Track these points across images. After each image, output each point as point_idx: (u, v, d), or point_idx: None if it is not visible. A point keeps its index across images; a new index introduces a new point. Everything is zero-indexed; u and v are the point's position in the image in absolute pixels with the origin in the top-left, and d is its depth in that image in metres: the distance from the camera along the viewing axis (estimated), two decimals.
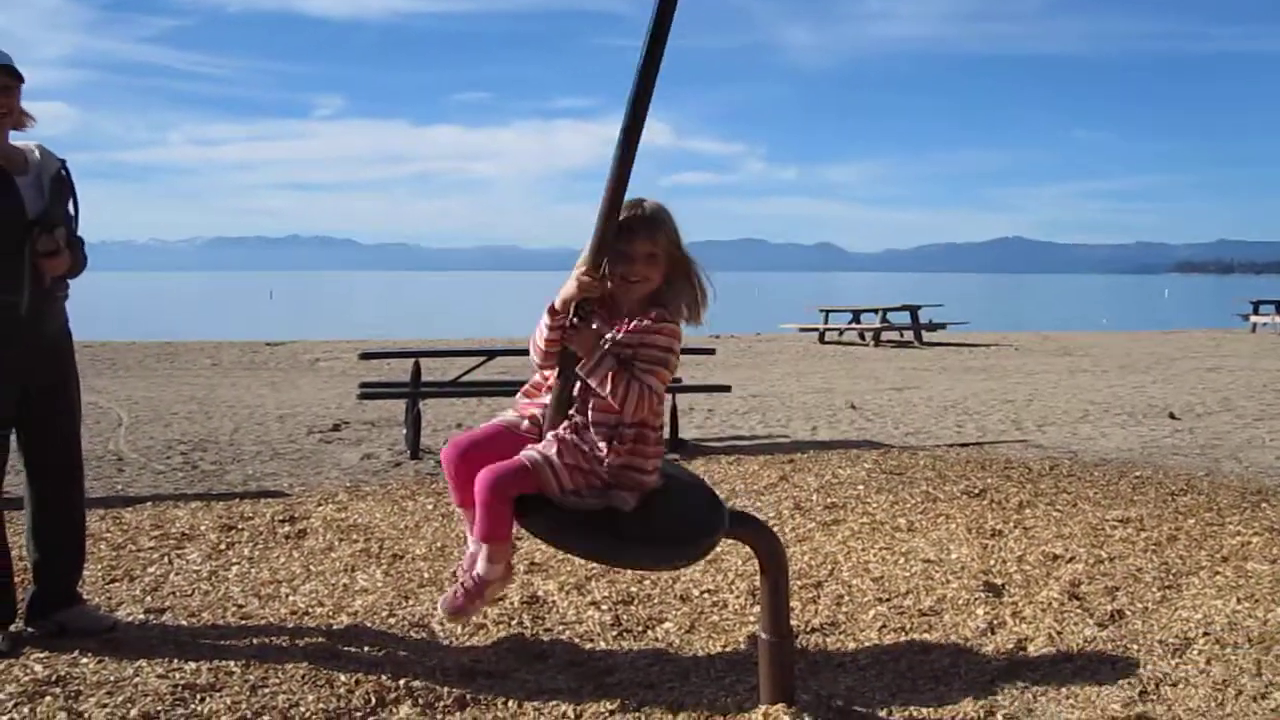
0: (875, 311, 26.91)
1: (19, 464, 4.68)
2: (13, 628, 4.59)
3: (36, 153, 4.65)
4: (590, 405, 3.70)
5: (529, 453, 3.67)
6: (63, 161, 4.70)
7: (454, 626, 4.88)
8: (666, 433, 10.21)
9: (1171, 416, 12.36)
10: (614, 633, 4.87)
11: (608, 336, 3.66)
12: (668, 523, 3.76)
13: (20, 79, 4.49)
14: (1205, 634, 4.69)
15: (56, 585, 4.74)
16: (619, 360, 3.62)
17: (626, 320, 3.68)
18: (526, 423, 3.88)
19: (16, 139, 4.60)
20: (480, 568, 3.89)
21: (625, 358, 3.63)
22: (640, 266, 3.67)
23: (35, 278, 4.45)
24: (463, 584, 3.95)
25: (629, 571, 5.75)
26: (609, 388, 3.59)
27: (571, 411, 3.73)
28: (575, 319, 3.63)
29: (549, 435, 3.72)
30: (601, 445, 3.67)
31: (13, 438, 4.62)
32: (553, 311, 3.65)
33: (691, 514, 3.84)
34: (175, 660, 4.31)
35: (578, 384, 3.71)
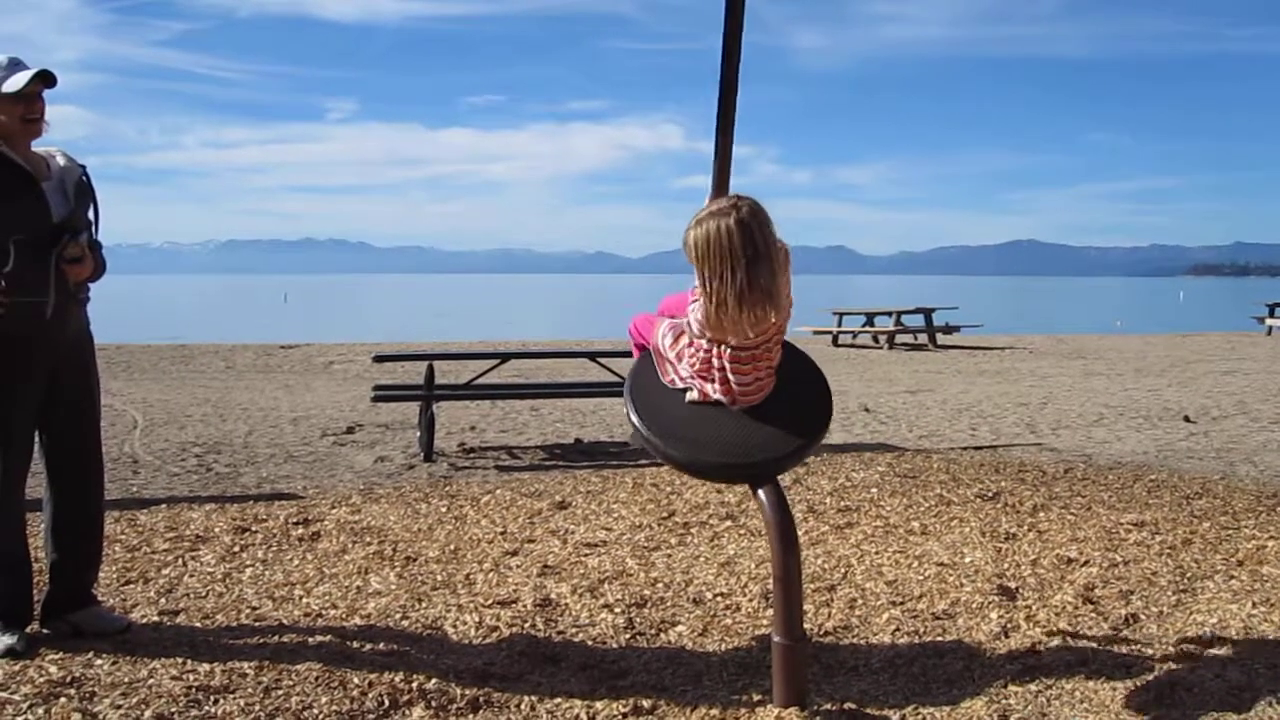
0: (889, 314, 26.85)
1: (38, 465, 4.70)
2: (28, 629, 4.61)
3: (59, 158, 4.69)
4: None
5: (662, 321, 4.47)
6: (84, 167, 4.75)
7: (467, 629, 4.88)
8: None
9: (1186, 420, 12.32)
10: (627, 635, 4.87)
11: None
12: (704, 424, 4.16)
13: (53, 83, 4.53)
14: (1220, 638, 4.67)
15: (72, 586, 4.76)
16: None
17: None
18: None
19: (36, 145, 4.64)
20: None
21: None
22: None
23: (60, 282, 4.49)
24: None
25: (642, 574, 5.76)
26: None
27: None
28: None
29: (678, 320, 4.41)
30: (680, 345, 4.34)
31: (35, 438, 4.66)
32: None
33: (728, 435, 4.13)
34: (189, 662, 4.32)
35: None
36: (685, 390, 4.23)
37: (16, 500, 4.55)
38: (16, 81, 4.42)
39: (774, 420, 4.12)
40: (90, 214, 4.73)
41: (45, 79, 4.49)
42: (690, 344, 4.19)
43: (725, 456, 4.04)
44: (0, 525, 4.50)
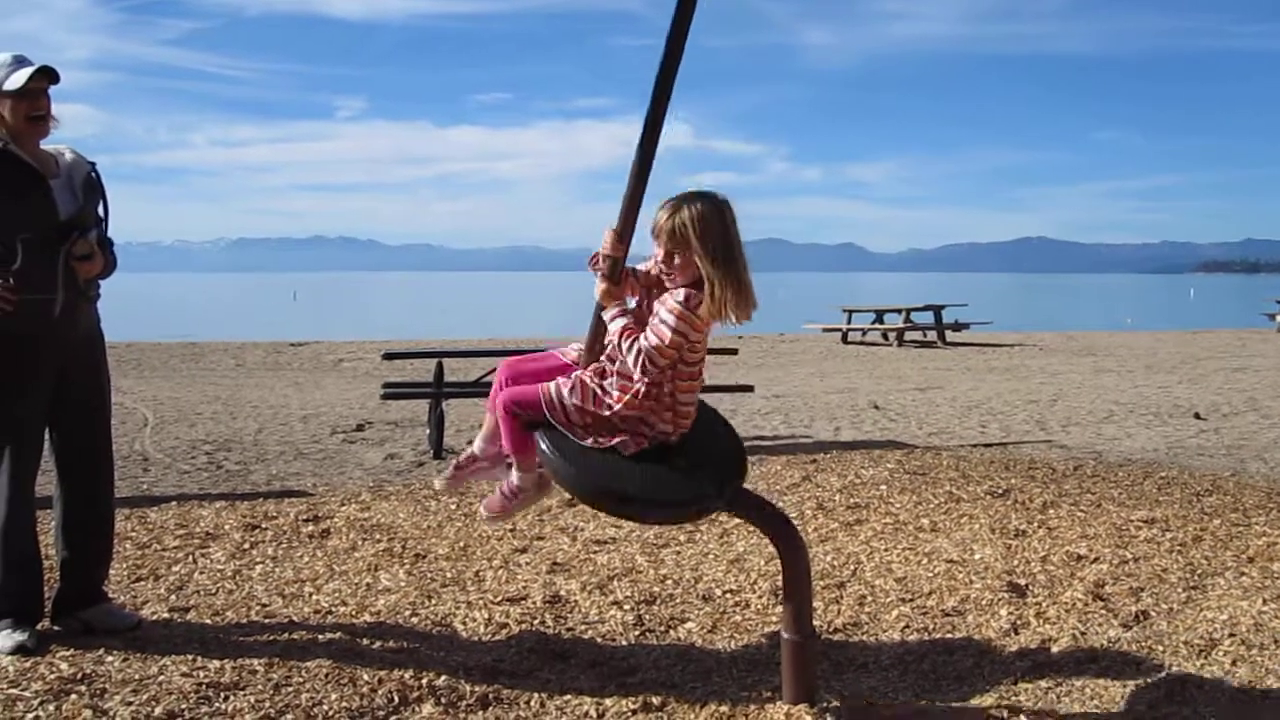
0: (899, 311, 26.81)
1: (48, 463, 4.72)
2: (39, 625, 4.62)
3: (68, 155, 4.71)
4: (608, 353, 3.93)
5: (548, 384, 3.95)
6: (93, 164, 4.76)
7: (477, 626, 4.89)
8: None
9: (1197, 417, 12.29)
10: (636, 632, 4.87)
11: (656, 301, 3.87)
12: (657, 476, 3.86)
13: (56, 79, 4.54)
14: (1231, 635, 4.66)
15: (83, 583, 4.78)
16: (640, 318, 3.87)
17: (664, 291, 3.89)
18: (574, 354, 4.14)
19: (46, 143, 4.65)
20: (514, 476, 4.21)
21: (644, 318, 3.86)
22: (665, 262, 3.83)
23: (69, 279, 4.50)
24: (500, 488, 4.27)
25: (651, 570, 5.76)
26: (615, 339, 3.82)
27: (604, 357, 3.95)
28: (602, 273, 3.88)
29: (574, 374, 3.98)
30: (614, 393, 3.86)
31: (45, 436, 4.68)
32: (590, 262, 3.97)
33: (681, 476, 3.90)
34: (199, 659, 4.33)
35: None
36: (610, 446, 3.88)
37: (27, 498, 4.57)
38: (18, 79, 4.43)
39: (710, 447, 4.07)
40: (100, 211, 4.75)
41: (47, 75, 4.50)
42: (613, 386, 3.86)
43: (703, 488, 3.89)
44: (10, 523, 4.51)
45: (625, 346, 3.78)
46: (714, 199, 3.82)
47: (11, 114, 4.47)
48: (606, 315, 3.88)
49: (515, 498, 4.24)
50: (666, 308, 3.76)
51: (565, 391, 3.91)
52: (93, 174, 4.74)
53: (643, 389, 3.82)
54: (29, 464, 4.58)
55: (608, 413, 3.86)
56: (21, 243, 4.40)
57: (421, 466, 9.20)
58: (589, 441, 3.87)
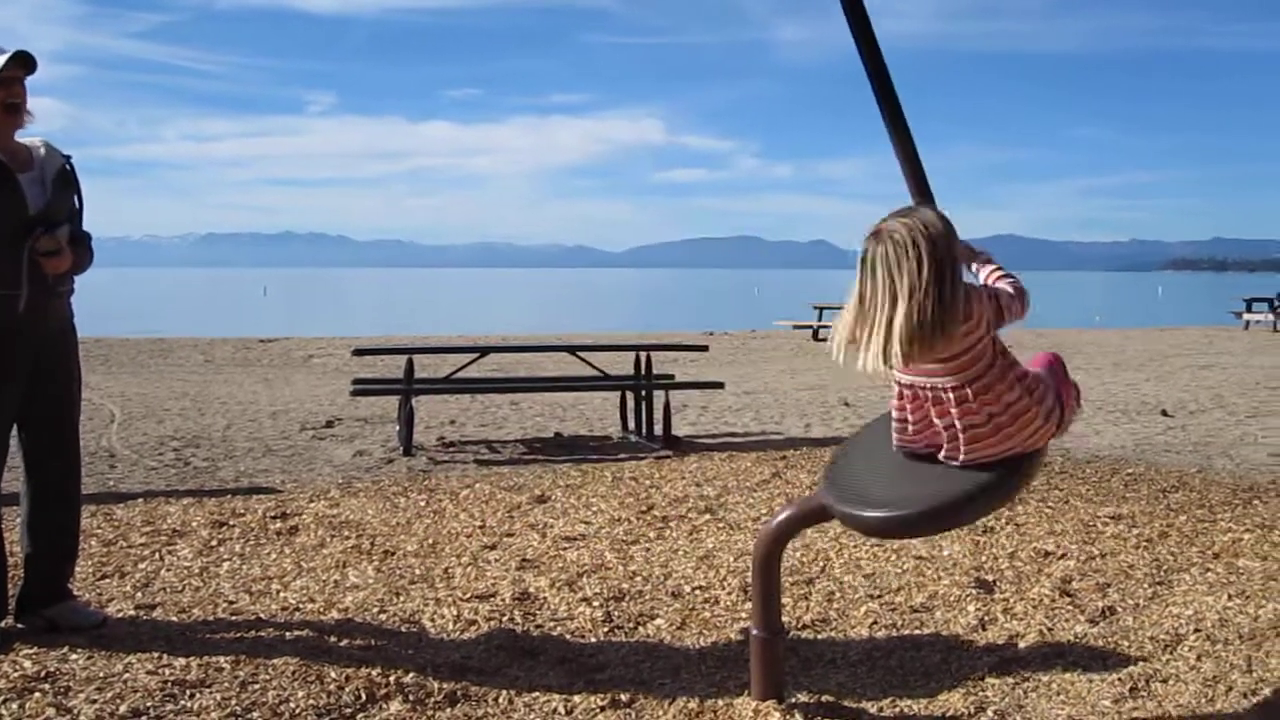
0: None
1: (14, 458, 4.67)
2: (3, 623, 4.59)
3: (42, 149, 4.65)
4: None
5: None
6: (67, 158, 4.71)
7: (445, 623, 4.87)
8: (659, 429, 10.22)
9: (1164, 414, 12.37)
10: (605, 629, 4.87)
11: None
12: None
13: (33, 69, 4.47)
14: (1196, 630, 4.70)
15: (48, 581, 4.73)
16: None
17: None
18: None
19: (20, 135, 4.60)
20: None
21: None
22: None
23: (35, 275, 4.45)
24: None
25: (620, 567, 5.76)
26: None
27: None
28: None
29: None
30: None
31: (13, 432, 4.63)
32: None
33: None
34: (165, 656, 4.30)
35: None
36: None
37: None
38: None
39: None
40: (75, 205, 4.70)
41: (22, 62, 4.43)
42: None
43: None
44: None
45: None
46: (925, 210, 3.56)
47: None
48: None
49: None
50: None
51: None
52: (67, 167, 4.68)
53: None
54: None
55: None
56: None
57: (391, 463, 9.17)
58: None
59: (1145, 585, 5.40)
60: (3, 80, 4.41)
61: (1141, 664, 4.36)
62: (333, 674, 4.15)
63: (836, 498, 3.69)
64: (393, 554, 6.05)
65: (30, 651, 4.32)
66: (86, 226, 4.79)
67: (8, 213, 4.41)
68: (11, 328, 4.44)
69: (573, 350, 11.70)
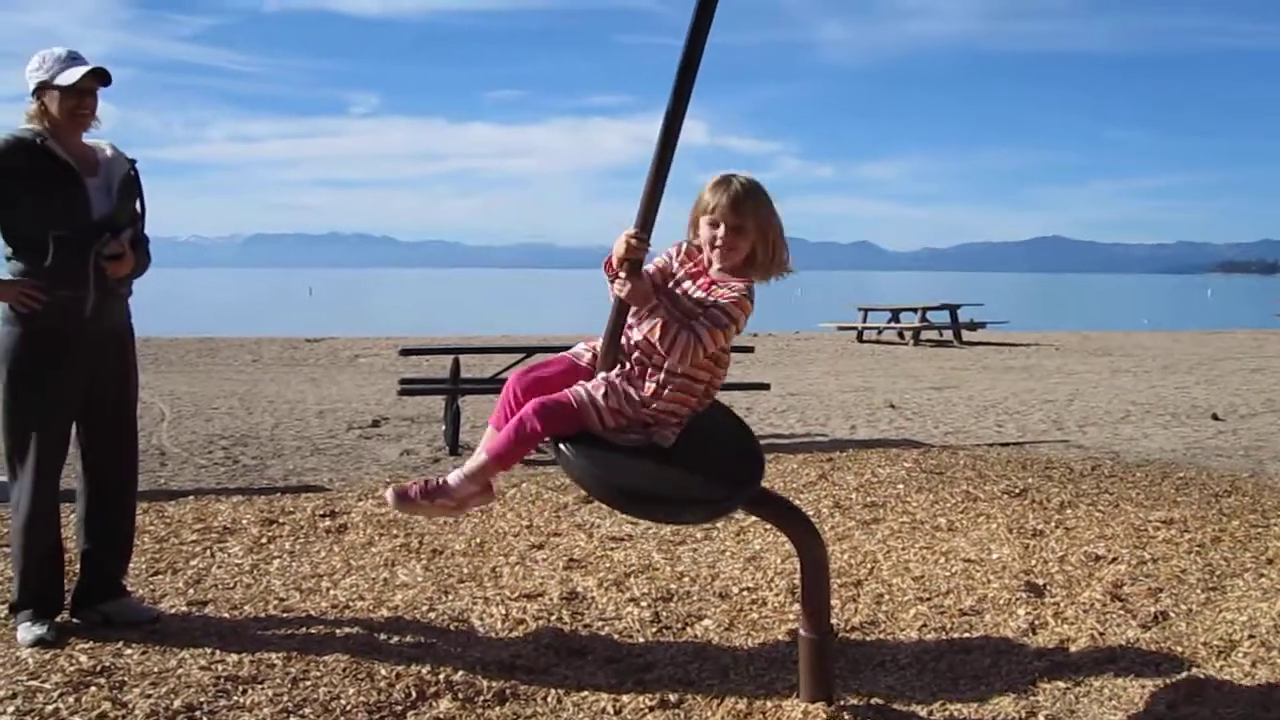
0: (914, 310, 26.75)
1: (70, 455, 4.74)
2: (59, 618, 4.65)
3: (109, 151, 4.73)
4: (639, 351, 3.79)
5: (577, 389, 3.77)
6: (133, 162, 4.78)
7: (494, 622, 4.89)
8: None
9: (1215, 418, 12.24)
10: (653, 629, 4.87)
11: (691, 291, 3.79)
12: (708, 456, 3.82)
13: (108, 81, 4.56)
14: (1250, 636, 4.64)
15: (103, 576, 4.80)
16: (672, 313, 3.74)
17: (707, 280, 3.80)
18: (589, 355, 3.97)
19: (87, 138, 4.68)
20: (454, 475, 3.85)
21: (687, 309, 3.75)
22: (727, 236, 3.77)
23: (100, 278, 4.52)
24: (426, 479, 3.90)
25: (668, 568, 5.75)
26: (657, 335, 3.68)
27: (622, 356, 3.82)
28: (623, 274, 3.73)
29: (599, 376, 3.82)
30: (648, 387, 3.75)
31: (73, 430, 4.71)
32: (606, 266, 3.79)
33: (731, 457, 3.90)
34: (218, 652, 4.35)
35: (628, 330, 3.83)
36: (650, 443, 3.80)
37: (50, 490, 4.59)
38: (71, 75, 4.46)
39: (730, 445, 4.02)
40: (137, 208, 4.77)
41: (100, 76, 4.53)
42: (651, 382, 3.76)
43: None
44: (33, 516, 4.54)
45: (668, 342, 3.67)
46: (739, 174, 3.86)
47: (58, 109, 4.50)
48: (635, 315, 3.77)
49: (436, 495, 3.87)
50: (725, 299, 3.72)
51: (598, 395, 3.76)
52: (132, 172, 4.76)
53: (683, 382, 3.77)
54: (56, 458, 4.61)
55: (644, 410, 3.77)
56: (53, 239, 4.43)
57: (437, 462, 9.21)
58: (624, 440, 3.77)
59: (1198, 590, 5.35)
60: (79, 90, 4.49)
61: (1195, 670, 4.32)
62: (383, 671, 4.18)
63: None
64: (441, 553, 6.08)
65: (86, 646, 4.39)
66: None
67: (75, 217, 4.49)
68: (77, 329, 4.52)
69: None
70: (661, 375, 3.75)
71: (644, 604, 5.17)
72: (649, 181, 3.73)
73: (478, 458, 3.85)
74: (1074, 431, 11.24)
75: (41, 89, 4.50)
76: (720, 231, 3.76)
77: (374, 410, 12.50)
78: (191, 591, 5.31)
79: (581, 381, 3.83)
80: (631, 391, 3.77)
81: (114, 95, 4.73)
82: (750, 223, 3.76)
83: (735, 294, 3.73)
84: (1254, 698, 4.02)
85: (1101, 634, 4.75)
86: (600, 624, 4.94)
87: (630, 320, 3.80)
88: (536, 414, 3.71)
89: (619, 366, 3.83)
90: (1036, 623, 4.92)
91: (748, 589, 5.45)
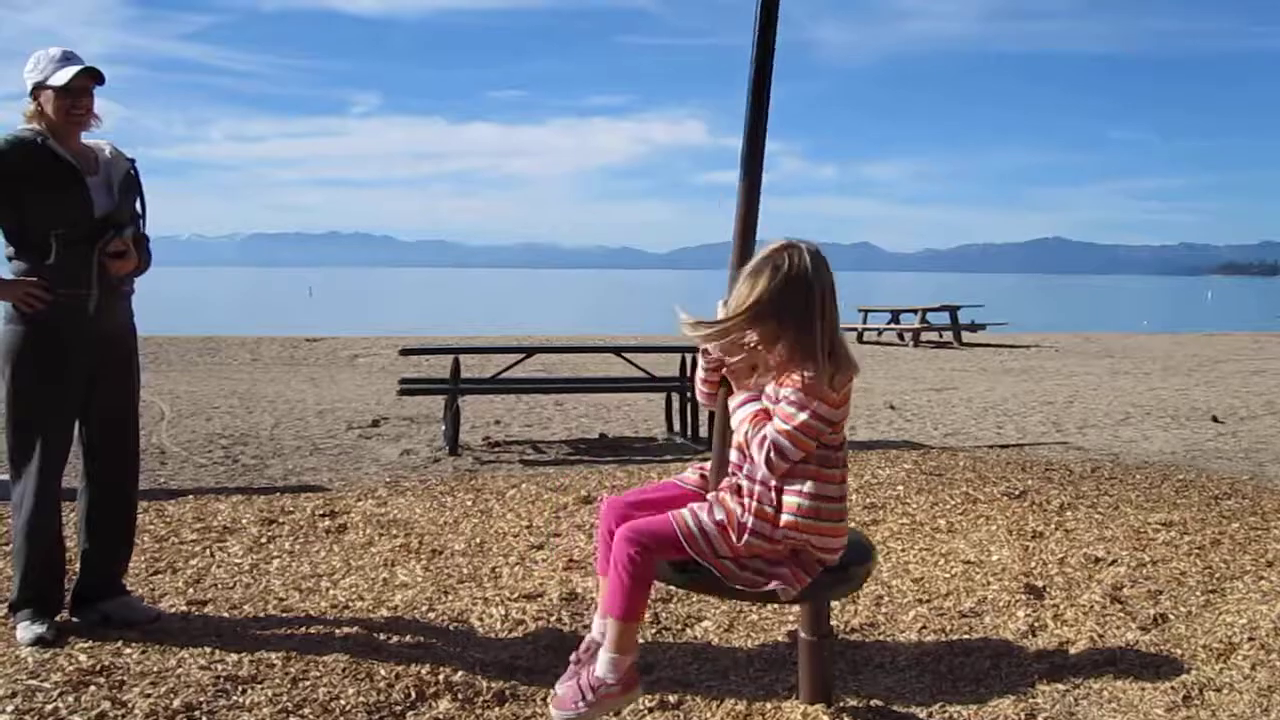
0: (914, 312, 26.75)
1: (74, 454, 4.75)
2: (59, 617, 4.65)
3: (108, 151, 4.74)
4: (734, 459, 3.41)
5: (679, 513, 3.37)
6: (132, 161, 4.79)
7: (494, 622, 4.89)
8: (705, 431, 10.22)
9: (1215, 420, 12.24)
10: (653, 630, 4.87)
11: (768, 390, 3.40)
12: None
13: (102, 81, 4.58)
14: (1250, 639, 4.64)
15: (103, 575, 4.81)
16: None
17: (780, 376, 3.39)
18: (696, 477, 3.68)
19: (87, 138, 4.69)
20: (602, 666, 3.37)
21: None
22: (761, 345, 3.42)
23: (102, 276, 4.53)
24: (581, 686, 3.39)
25: None
26: (748, 431, 3.35)
27: (741, 472, 3.43)
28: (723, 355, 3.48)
29: (710, 495, 3.48)
30: (749, 505, 3.35)
31: (75, 429, 4.71)
32: (704, 352, 3.54)
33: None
34: (217, 652, 4.35)
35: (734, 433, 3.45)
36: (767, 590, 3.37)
37: (52, 489, 4.59)
38: (64, 75, 4.48)
39: None
40: (137, 207, 4.79)
41: (92, 75, 4.55)
42: (763, 501, 3.33)
43: None
44: (36, 515, 4.54)
45: (754, 437, 3.30)
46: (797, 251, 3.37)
47: (54, 109, 4.51)
48: (733, 403, 3.43)
49: (597, 694, 3.35)
50: (793, 385, 3.30)
51: (704, 516, 3.33)
52: (132, 171, 4.77)
53: (806, 504, 3.32)
54: (58, 457, 4.61)
55: (771, 531, 3.33)
56: (55, 238, 4.44)
57: (437, 463, 9.21)
58: (739, 585, 3.37)
59: (1198, 593, 5.35)
60: (73, 90, 4.51)
61: (1194, 672, 4.32)
62: (382, 672, 4.18)
63: None
64: (440, 553, 6.08)
65: (85, 645, 4.39)
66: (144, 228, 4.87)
67: (76, 214, 4.50)
68: (80, 327, 4.53)
69: (617, 351, 11.72)
70: (757, 489, 3.35)
71: None
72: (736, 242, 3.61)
73: (608, 628, 3.38)
74: (1074, 433, 11.24)
75: (37, 90, 4.52)
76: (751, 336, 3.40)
77: (374, 410, 12.50)
78: (191, 591, 5.31)
79: (691, 504, 3.44)
80: (748, 511, 3.35)
81: (115, 94, 4.78)
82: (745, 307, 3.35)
83: (799, 377, 3.30)
84: (1254, 700, 4.02)
85: (1101, 636, 4.74)
86: None
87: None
88: (630, 541, 3.28)
89: (728, 482, 3.46)
90: (1036, 624, 4.91)
91: None
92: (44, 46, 4.65)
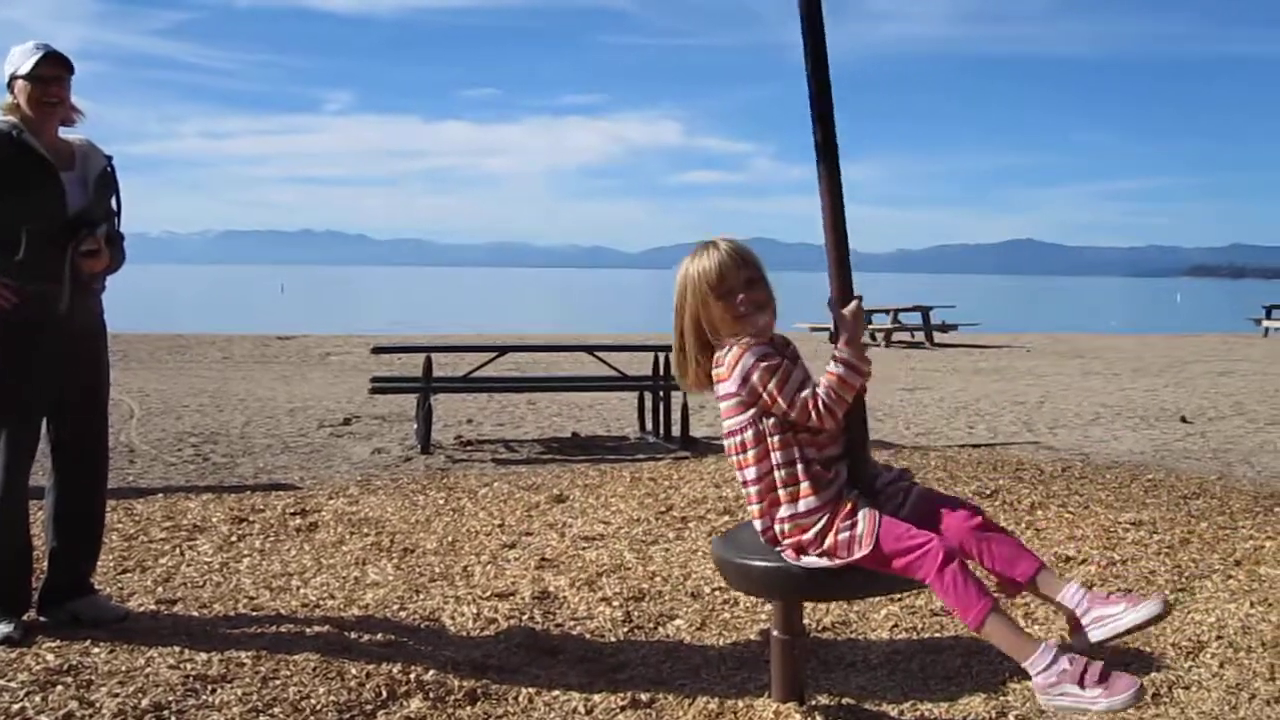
0: (886, 312, 26.84)
1: (41, 452, 4.71)
2: (26, 616, 4.60)
3: (85, 147, 4.69)
4: None
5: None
6: (109, 158, 4.75)
7: (465, 621, 4.87)
8: (677, 430, 10.24)
9: (1183, 420, 12.33)
10: (625, 629, 4.86)
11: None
12: None
13: (71, 69, 4.53)
14: (1218, 637, 4.67)
15: (71, 574, 4.76)
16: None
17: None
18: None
19: (66, 133, 4.65)
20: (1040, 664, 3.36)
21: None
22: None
23: (74, 274, 4.49)
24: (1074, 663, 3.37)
25: (640, 567, 5.75)
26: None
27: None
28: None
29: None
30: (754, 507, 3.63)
31: (43, 426, 4.67)
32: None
33: None
34: (186, 651, 4.31)
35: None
36: None
37: (20, 487, 4.55)
38: (29, 63, 4.44)
39: None
40: (113, 205, 4.75)
41: (58, 61, 4.49)
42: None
43: None
44: (3, 513, 4.49)
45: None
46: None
47: (26, 99, 4.47)
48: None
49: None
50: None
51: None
52: (108, 168, 4.73)
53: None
54: (25, 454, 4.57)
55: (779, 520, 3.58)
56: (26, 233, 4.39)
57: (409, 461, 9.19)
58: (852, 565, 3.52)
59: (1167, 591, 5.37)
60: (40, 78, 4.46)
61: (1164, 671, 4.34)
62: (353, 670, 4.16)
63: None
64: (412, 551, 6.06)
65: (53, 645, 4.34)
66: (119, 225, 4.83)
67: (48, 211, 4.45)
68: (49, 323, 4.48)
69: (590, 350, 11.71)
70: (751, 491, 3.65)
71: (616, 603, 5.16)
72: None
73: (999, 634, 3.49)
74: (1044, 433, 11.30)
75: (12, 82, 4.49)
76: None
77: (345, 408, 12.46)
78: (160, 590, 5.27)
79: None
80: (759, 526, 3.62)
81: (85, 89, 4.72)
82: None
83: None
84: (1222, 698, 4.04)
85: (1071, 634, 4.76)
86: (572, 623, 4.93)
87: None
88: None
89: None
90: None
91: (720, 588, 5.44)
92: (17, 42, 4.61)
